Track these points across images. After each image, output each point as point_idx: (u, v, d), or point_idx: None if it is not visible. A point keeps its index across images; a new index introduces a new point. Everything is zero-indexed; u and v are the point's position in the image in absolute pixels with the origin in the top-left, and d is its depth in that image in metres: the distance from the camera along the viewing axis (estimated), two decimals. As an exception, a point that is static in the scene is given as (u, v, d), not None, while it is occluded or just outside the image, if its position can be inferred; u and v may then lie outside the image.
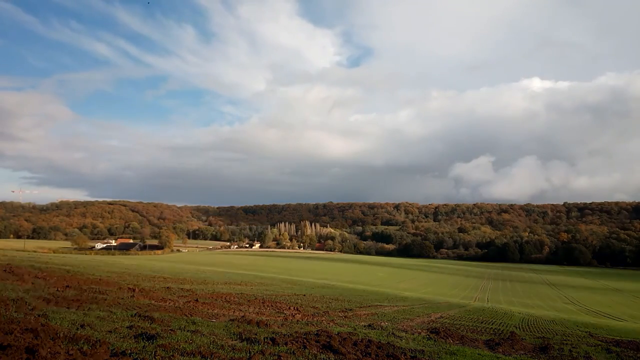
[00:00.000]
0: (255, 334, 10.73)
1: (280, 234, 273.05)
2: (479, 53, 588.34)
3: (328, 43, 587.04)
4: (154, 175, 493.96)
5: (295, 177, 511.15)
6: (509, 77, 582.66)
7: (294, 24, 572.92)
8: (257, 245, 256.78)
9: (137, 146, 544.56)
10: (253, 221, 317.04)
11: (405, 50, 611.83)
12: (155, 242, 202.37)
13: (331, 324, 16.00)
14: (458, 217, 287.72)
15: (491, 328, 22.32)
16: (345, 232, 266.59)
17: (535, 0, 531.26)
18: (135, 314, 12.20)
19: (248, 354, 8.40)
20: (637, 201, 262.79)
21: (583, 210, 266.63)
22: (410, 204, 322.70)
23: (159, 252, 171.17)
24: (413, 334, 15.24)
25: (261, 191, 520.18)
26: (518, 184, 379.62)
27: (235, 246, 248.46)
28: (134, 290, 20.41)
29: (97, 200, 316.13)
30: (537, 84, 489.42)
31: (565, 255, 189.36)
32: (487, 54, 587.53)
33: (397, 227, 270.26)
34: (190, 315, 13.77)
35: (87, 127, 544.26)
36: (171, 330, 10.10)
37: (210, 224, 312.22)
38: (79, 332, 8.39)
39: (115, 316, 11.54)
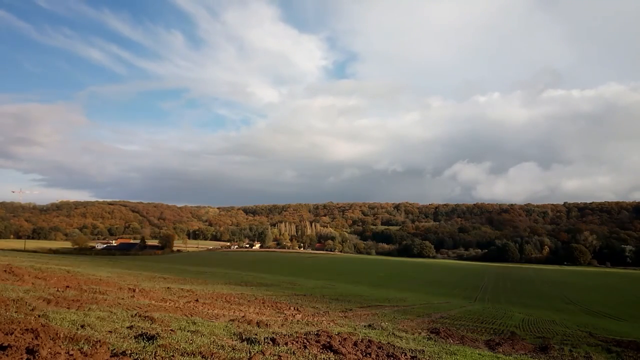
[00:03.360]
0: (256, 334, 10.73)
1: (280, 234, 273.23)
2: (473, 62, 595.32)
3: (314, 48, 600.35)
4: (160, 177, 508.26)
5: (301, 180, 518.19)
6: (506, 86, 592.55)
7: (279, 30, 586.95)
8: (258, 245, 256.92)
9: (147, 149, 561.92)
10: (253, 221, 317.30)
11: (388, 56, 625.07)
12: (155, 242, 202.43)
13: (331, 324, 16.00)
14: (458, 217, 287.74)
15: (491, 328, 22.32)
16: (345, 232, 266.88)
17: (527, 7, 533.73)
18: (136, 314, 12.20)
19: (248, 354, 8.40)
20: (637, 201, 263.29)
21: (583, 210, 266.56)
22: (410, 204, 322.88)
23: (160, 252, 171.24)
24: (413, 334, 15.24)
25: (262, 191, 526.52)
26: (516, 187, 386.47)
27: (236, 246, 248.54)
28: (134, 290, 20.41)
29: (97, 201, 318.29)
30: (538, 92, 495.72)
31: (565, 255, 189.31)
32: (481, 62, 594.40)
33: (398, 227, 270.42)
34: (191, 315, 13.77)
35: (100, 131, 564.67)
36: (171, 330, 10.10)
37: (210, 224, 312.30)
38: (79, 332, 8.38)
39: (115, 316, 11.54)
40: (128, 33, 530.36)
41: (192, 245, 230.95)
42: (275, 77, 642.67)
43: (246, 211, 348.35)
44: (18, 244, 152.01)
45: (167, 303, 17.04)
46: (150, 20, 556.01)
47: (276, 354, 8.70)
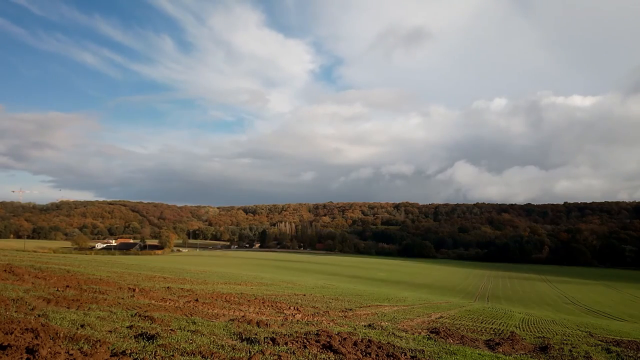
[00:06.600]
0: (256, 334, 10.73)
1: (280, 234, 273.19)
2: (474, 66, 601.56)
3: (302, 52, 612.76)
4: (166, 179, 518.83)
5: (304, 181, 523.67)
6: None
7: (265, 34, 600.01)
8: (257, 245, 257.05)
9: (156, 152, 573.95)
10: (253, 221, 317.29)
11: (373, 60, 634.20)
12: (155, 242, 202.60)
13: (331, 323, 16.00)
14: (458, 217, 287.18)
15: (491, 328, 22.32)
16: (345, 232, 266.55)
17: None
18: (136, 314, 12.20)
19: (248, 354, 8.40)
20: (637, 201, 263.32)
21: (583, 210, 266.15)
22: (410, 204, 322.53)
23: (159, 252, 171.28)
24: (413, 334, 15.24)
25: (262, 191, 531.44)
26: (514, 188, 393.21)
27: (236, 246, 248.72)
28: (134, 290, 20.40)
29: (97, 200, 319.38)
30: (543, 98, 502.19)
31: (565, 255, 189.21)
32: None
33: (398, 227, 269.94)
34: (191, 315, 13.77)
35: (113, 135, 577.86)
36: (171, 330, 10.10)
37: (210, 224, 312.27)
38: (79, 332, 8.39)
39: (115, 316, 11.54)
40: (120, 38, 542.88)
41: (192, 245, 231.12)
42: (265, 80, 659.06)
43: (246, 211, 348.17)
44: (18, 243, 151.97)
45: (167, 303, 17.03)
46: (140, 25, 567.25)
47: (276, 353, 8.70)
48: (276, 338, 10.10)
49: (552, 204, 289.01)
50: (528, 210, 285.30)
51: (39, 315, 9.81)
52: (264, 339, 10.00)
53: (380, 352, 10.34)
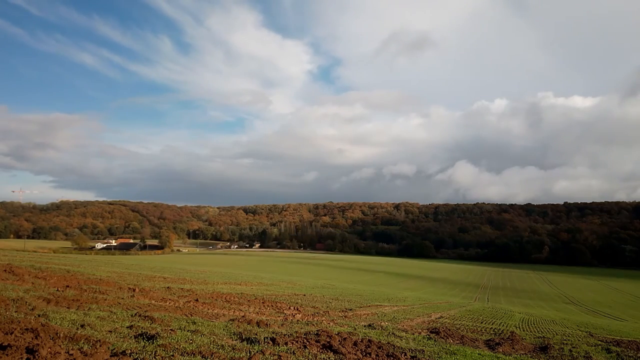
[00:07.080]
0: (256, 334, 10.73)
1: (280, 234, 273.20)
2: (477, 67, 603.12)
3: (301, 52, 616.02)
4: (168, 179, 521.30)
5: (307, 181, 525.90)
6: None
7: (263, 35, 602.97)
8: (258, 245, 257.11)
9: (158, 153, 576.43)
10: (253, 221, 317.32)
11: (369, 61, 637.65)
12: (155, 242, 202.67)
13: (331, 323, 16.00)
14: (458, 217, 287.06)
15: (491, 328, 22.32)
16: (345, 232, 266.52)
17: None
18: (136, 314, 12.20)
19: (248, 354, 8.40)
20: (637, 201, 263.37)
21: (583, 210, 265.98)
22: (410, 204, 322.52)
23: (159, 252, 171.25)
24: (413, 334, 15.24)
25: (262, 191, 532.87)
26: (514, 188, 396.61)
27: (236, 246, 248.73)
28: (134, 290, 20.41)
29: (97, 200, 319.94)
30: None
31: (565, 255, 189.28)
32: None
33: (398, 227, 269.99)
34: (191, 315, 13.77)
35: (115, 136, 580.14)
36: (171, 330, 10.10)
37: (210, 224, 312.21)
38: (79, 332, 8.39)
39: (115, 316, 11.55)
40: (119, 39, 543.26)
41: (192, 245, 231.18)
42: (265, 80, 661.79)
43: (246, 211, 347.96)
44: (18, 243, 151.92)
45: (167, 303, 17.04)
46: (138, 26, 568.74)
47: (276, 353, 8.70)
48: (276, 338, 10.10)
49: (552, 204, 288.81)
50: (528, 210, 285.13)
51: (39, 315, 9.81)
52: (264, 339, 10.00)
53: (380, 352, 10.34)
